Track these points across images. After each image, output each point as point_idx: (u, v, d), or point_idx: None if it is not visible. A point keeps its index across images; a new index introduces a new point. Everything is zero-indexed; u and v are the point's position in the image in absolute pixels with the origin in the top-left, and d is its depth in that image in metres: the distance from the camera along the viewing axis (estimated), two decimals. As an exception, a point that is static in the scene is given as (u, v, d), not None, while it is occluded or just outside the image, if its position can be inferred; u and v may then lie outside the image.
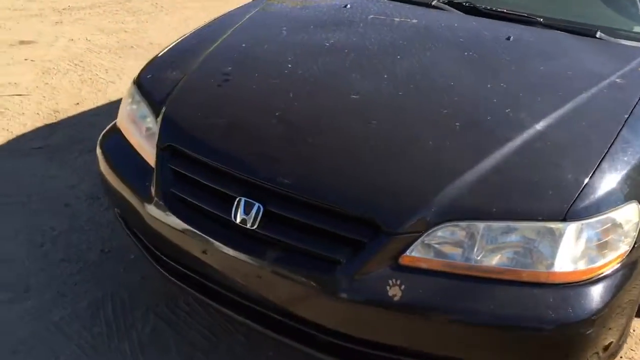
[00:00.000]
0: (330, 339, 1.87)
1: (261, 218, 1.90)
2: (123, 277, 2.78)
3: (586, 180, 1.81)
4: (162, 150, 2.16)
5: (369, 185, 1.84)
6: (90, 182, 3.41)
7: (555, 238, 1.74)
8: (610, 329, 1.81)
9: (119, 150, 2.40)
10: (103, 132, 2.59)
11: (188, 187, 2.08)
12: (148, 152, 2.26)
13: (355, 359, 1.89)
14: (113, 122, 2.61)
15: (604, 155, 1.88)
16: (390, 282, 1.75)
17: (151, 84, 2.41)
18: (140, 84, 2.44)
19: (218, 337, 2.48)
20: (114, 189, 2.35)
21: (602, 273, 1.77)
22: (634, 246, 1.83)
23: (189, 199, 2.05)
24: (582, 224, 1.75)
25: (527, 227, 1.76)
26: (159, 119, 2.22)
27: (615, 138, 1.93)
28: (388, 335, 1.82)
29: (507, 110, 2.04)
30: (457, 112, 2.06)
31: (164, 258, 2.23)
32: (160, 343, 2.45)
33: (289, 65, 2.34)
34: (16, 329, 2.49)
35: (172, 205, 2.07)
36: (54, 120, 4.11)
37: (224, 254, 1.96)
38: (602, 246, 1.78)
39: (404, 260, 1.78)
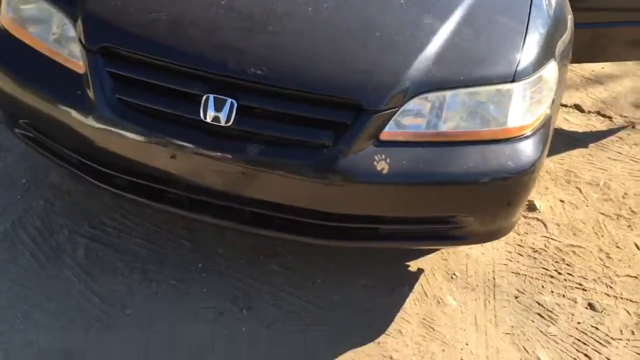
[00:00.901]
0: (325, 223, 1.95)
1: (235, 114, 1.85)
2: (23, 204, 2.52)
3: (522, 45, 2.04)
4: (94, 53, 1.95)
5: (345, 67, 1.88)
6: None
7: (507, 98, 1.97)
8: None
9: (18, 56, 2.10)
10: None
11: (137, 91, 1.93)
12: (66, 57, 2.02)
13: (360, 237, 2.01)
14: None
15: (527, 23, 2.12)
16: (376, 157, 1.86)
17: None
18: (31, -20, 2.12)
19: (161, 246, 2.41)
20: (22, 102, 2.09)
21: (538, 124, 2.06)
22: (553, 98, 2.14)
23: (142, 104, 1.91)
24: (525, 83, 1.99)
25: (484, 91, 1.96)
26: (79, 18, 1.98)
27: (530, 9, 2.17)
28: (378, 207, 1.95)
29: None
30: None
31: (110, 172, 2.07)
32: (102, 263, 2.32)
33: None
34: None
35: (122, 112, 1.92)
36: None
37: (196, 156, 1.90)
38: (538, 101, 2.06)
39: (384, 135, 1.88)
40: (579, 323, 2.34)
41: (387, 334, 2.20)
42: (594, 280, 2.53)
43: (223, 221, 2.04)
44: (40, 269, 2.26)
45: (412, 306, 2.31)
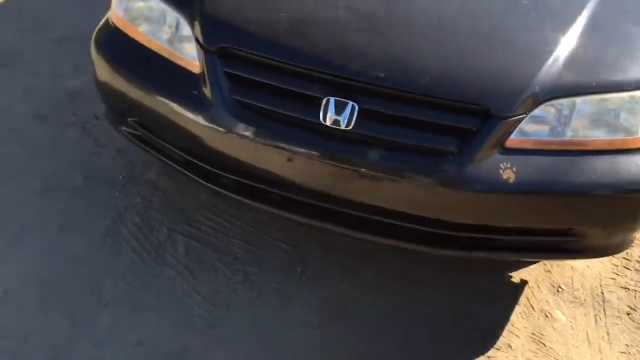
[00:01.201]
0: (447, 232, 1.89)
1: (356, 117, 1.80)
2: (122, 200, 2.53)
3: None
4: (212, 53, 1.92)
5: (472, 71, 1.81)
6: (31, 101, 2.96)
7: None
8: None
9: (131, 54, 2.10)
10: (97, 31, 2.23)
11: (254, 92, 1.89)
12: (180, 56, 2.00)
13: (474, 247, 1.94)
14: (105, 18, 2.25)
15: None
16: (502, 165, 1.79)
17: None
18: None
19: (259, 247, 2.39)
20: (133, 100, 2.08)
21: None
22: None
23: (260, 105, 1.88)
24: None
25: (616, 98, 1.86)
26: (196, 17, 1.96)
27: None
28: (500, 217, 1.88)
29: None
30: None
31: (218, 172, 2.05)
32: (202, 262, 2.30)
33: None
34: (38, 270, 2.20)
35: (239, 113, 1.88)
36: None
37: (312, 160, 1.86)
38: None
39: (509, 143, 1.81)
40: (696, 344, 2.22)
41: (496, 348, 2.12)
42: None
43: (333, 226, 1.99)
44: (143, 267, 2.26)
45: (519, 320, 2.23)
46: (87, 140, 2.79)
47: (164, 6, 2.07)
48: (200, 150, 2.04)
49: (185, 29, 2.02)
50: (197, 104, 1.95)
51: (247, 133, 1.89)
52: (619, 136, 1.87)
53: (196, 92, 1.95)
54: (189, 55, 2.00)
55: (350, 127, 1.80)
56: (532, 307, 2.28)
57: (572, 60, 1.85)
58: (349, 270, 2.32)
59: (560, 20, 1.94)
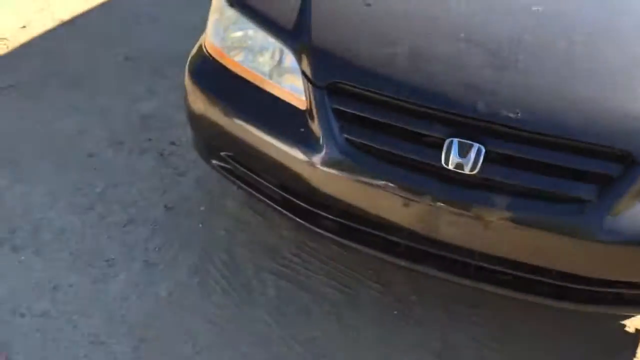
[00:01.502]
0: (582, 287, 1.73)
1: (482, 161, 1.66)
2: (205, 233, 2.42)
3: None
4: (322, 89, 1.80)
5: (613, 111, 1.65)
6: (102, 125, 2.88)
7: None
8: None
9: (227, 85, 1.99)
10: (190, 58, 2.13)
11: (367, 131, 1.77)
12: (284, 90, 1.89)
13: (602, 301, 1.78)
14: (198, 45, 2.15)
15: None
16: None
17: (262, 6, 1.98)
18: (246, 5, 2.00)
19: (351, 288, 2.26)
20: (229, 133, 1.97)
21: None
22: None
23: (373, 145, 1.75)
24: None
25: None
26: (304, 50, 1.84)
27: None
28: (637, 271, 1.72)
29: None
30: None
31: (320, 213, 1.93)
32: (295, 304, 2.18)
33: None
34: (130, 311, 2.10)
35: (350, 153, 1.76)
36: (6, 50, 3.40)
37: (430, 205, 1.72)
38: None
39: (651, 191, 1.64)
40: None
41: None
42: None
43: (446, 274, 1.86)
44: (235, 308, 2.15)
45: (643, 374, 2.06)
46: (166, 169, 2.70)
47: (264, 36, 1.96)
48: (302, 189, 1.92)
49: (289, 61, 1.91)
50: (304, 142, 1.83)
51: (359, 174, 1.77)
52: None
53: (303, 130, 1.83)
54: (293, 88, 1.89)
55: (475, 172, 1.66)
56: (653, 360, 2.10)
57: None
58: (452, 316, 2.17)
59: None
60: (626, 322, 2.22)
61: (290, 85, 1.90)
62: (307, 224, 1.99)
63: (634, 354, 2.13)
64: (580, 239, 1.65)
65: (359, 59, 1.79)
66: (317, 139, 1.80)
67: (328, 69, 1.81)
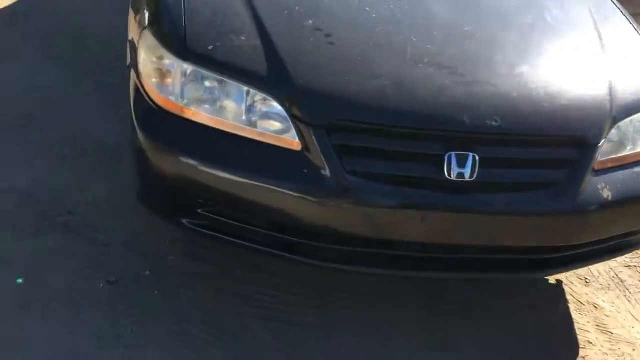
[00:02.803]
0: (560, 255, 2.07)
1: (478, 167, 1.90)
2: (165, 297, 2.29)
3: None
4: (318, 128, 1.87)
5: (568, 106, 2.02)
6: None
7: None
8: None
9: (196, 138, 1.95)
10: (137, 112, 2.05)
11: (369, 161, 1.89)
12: (266, 134, 1.92)
13: (578, 261, 2.17)
14: (135, 88, 2.08)
15: None
16: (599, 186, 2.01)
17: (222, 55, 1.97)
18: (204, 57, 1.96)
19: (327, 307, 2.33)
20: (212, 188, 1.95)
21: None
22: None
23: (378, 172, 1.88)
24: None
25: None
26: (292, 94, 1.89)
27: None
28: (602, 231, 2.11)
29: None
30: None
31: (326, 246, 2.00)
32: (296, 341, 2.20)
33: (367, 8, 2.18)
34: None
35: (358, 185, 1.86)
36: None
37: (439, 215, 1.91)
38: None
39: (597, 165, 2.03)
40: None
41: (582, 347, 2.35)
42: None
43: (455, 273, 2.08)
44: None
45: (580, 317, 2.48)
46: (82, 243, 2.45)
47: (234, 86, 1.94)
48: (306, 226, 1.96)
49: (264, 105, 1.94)
50: (308, 181, 1.89)
51: (368, 202, 1.88)
52: None
53: (306, 170, 1.87)
54: (277, 131, 1.92)
55: (474, 178, 1.89)
56: (581, 302, 2.55)
57: (621, 81, 2.14)
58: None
59: (599, 47, 2.22)
60: (548, 277, 2.64)
61: (273, 129, 1.92)
62: (308, 260, 2.03)
63: (567, 301, 2.55)
64: (564, 215, 1.97)
65: (351, 95, 1.91)
66: (322, 176, 1.86)
67: (324, 110, 1.89)
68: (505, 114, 1.93)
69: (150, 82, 2.04)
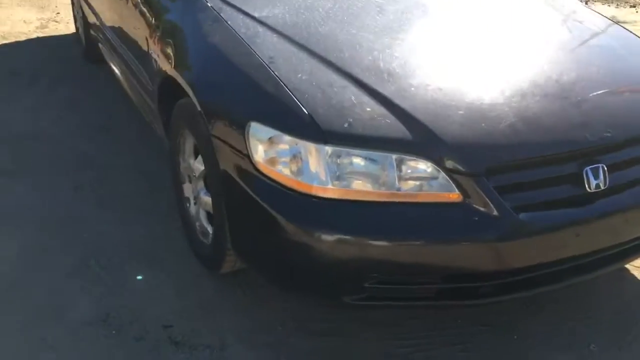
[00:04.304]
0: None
1: (608, 174, 2.10)
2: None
3: None
4: (478, 176, 1.98)
5: None
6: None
7: None
8: None
9: (357, 217, 1.98)
10: (283, 211, 2.02)
11: (525, 193, 2.03)
12: (419, 195, 2.00)
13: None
14: (283, 195, 2.02)
15: None
16: None
17: (363, 130, 2.00)
18: (348, 136, 1.99)
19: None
20: (384, 260, 2.00)
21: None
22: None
23: (535, 202, 2.02)
24: None
25: None
26: (445, 154, 1.98)
27: None
28: None
29: None
30: None
31: (491, 283, 2.10)
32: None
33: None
34: None
35: (525, 219, 1.98)
36: None
37: (591, 225, 2.10)
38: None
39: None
40: None
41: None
42: None
43: (591, 274, 2.25)
44: None
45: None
46: (199, 352, 2.32)
47: (380, 155, 1.99)
48: (473, 269, 2.04)
49: (417, 168, 2.00)
50: (479, 227, 1.97)
51: (536, 232, 2.01)
52: None
53: (476, 218, 1.96)
54: (435, 189, 1.99)
55: (607, 185, 2.10)
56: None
57: None
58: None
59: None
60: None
61: (429, 188, 1.99)
62: (472, 302, 2.12)
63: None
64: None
65: (495, 138, 2.04)
66: (491, 218, 1.96)
67: (479, 158, 1.99)
68: (613, 124, 2.17)
69: (282, 173, 2.01)
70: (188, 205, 2.71)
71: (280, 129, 2.02)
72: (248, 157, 2.08)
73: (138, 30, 2.95)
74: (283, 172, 2.01)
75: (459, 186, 1.96)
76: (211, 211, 2.46)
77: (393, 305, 2.12)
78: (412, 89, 2.14)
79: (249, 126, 2.08)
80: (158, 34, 2.68)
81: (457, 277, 2.07)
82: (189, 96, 2.37)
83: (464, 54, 2.39)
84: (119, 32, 3.44)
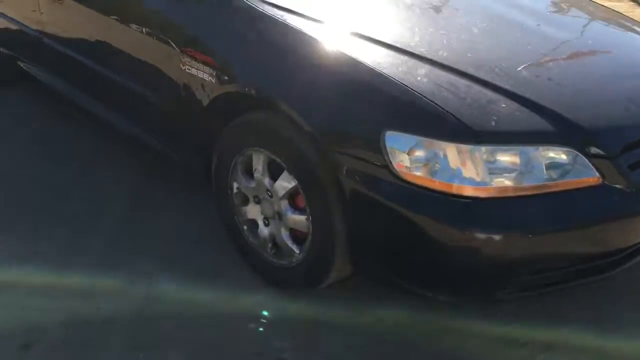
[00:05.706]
0: None
1: None
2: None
3: None
4: (617, 157, 2.07)
5: None
6: None
7: None
8: None
9: (512, 212, 1.98)
10: (446, 218, 1.97)
11: None
12: (570, 182, 2.04)
13: None
14: (437, 202, 1.96)
15: None
16: None
17: (509, 126, 2.00)
18: (499, 134, 1.99)
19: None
20: (547, 253, 2.03)
21: None
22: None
23: None
24: None
25: None
26: (586, 140, 2.04)
27: None
28: None
29: None
30: None
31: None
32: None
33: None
34: None
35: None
36: None
37: None
38: None
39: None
40: None
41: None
42: None
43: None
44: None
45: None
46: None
47: (527, 149, 2.01)
48: (615, 245, 2.14)
49: (558, 157, 2.04)
50: (620, 205, 2.07)
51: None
52: None
53: (617, 197, 2.06)
54: (576, 175, 2.05)
55: None
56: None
57: None
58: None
59: None
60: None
61: (569, 174, 2.05)
62: (607, 274, 2.21)
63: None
64: None
65: (619, 119, 2.16)
66: (629, 197, 2.06)
67: (615, 140, 2.09)
68: None
69: (430, 178, 1.97)
70: (254, 227, 2.53)
71: (424, 134, 1.96)
72: (386, 167, 1.99)
73: (154, 48, 2.66)
74: (431, 177, 1.96)
75: (598, 169, 2.04)
76: (302, 229, 2.33)
77: (543, 293, 2.15)
78: (527, 81, 2.18)
79: (384, 135, 1.99)
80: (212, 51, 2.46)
81: (594, 255, 2.15)
82: (259, 112, 2.30)
83: (560, 47, 2.49)
84: (96, 50, 3.09)
